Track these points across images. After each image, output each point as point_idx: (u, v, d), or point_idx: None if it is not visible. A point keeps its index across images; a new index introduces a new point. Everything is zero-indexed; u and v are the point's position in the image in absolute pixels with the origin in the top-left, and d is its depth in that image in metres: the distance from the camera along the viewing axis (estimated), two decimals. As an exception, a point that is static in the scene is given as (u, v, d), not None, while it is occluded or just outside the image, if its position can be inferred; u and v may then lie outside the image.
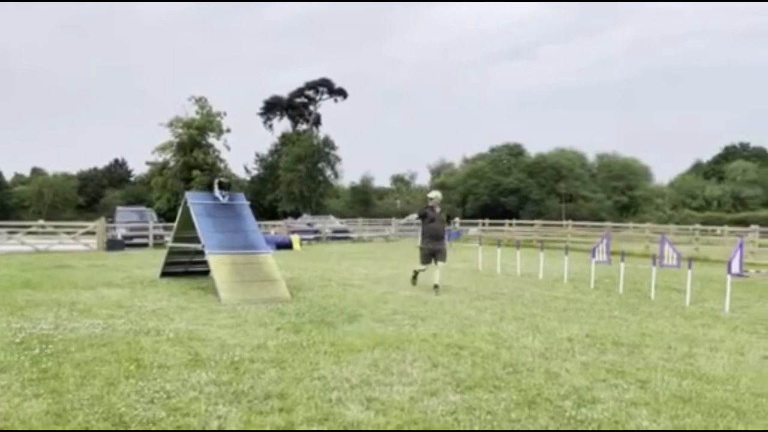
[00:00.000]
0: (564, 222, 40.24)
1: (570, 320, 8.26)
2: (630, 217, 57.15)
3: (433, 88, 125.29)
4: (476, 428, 4.18)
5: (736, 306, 9.61)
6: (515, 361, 5.99)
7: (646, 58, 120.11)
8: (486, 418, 4.37)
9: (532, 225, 38.26)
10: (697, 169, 77.76)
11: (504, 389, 5.04)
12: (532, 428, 4.21)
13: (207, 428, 4.10)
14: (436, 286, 10.76)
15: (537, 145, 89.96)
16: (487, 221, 39.58)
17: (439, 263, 11.04)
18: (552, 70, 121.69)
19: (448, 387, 5.09)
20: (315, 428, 4.12)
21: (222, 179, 10.75)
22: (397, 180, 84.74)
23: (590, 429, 4.22)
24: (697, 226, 29.66)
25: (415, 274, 11.58)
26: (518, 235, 29.87)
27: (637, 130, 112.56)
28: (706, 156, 79.59)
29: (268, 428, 4.11)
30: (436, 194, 11.52)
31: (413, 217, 11.53)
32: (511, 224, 39.44)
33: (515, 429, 4.19)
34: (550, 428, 4.22)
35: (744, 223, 39.82)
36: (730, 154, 76.62)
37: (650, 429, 4.23)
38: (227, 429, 4.10)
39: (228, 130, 61.01)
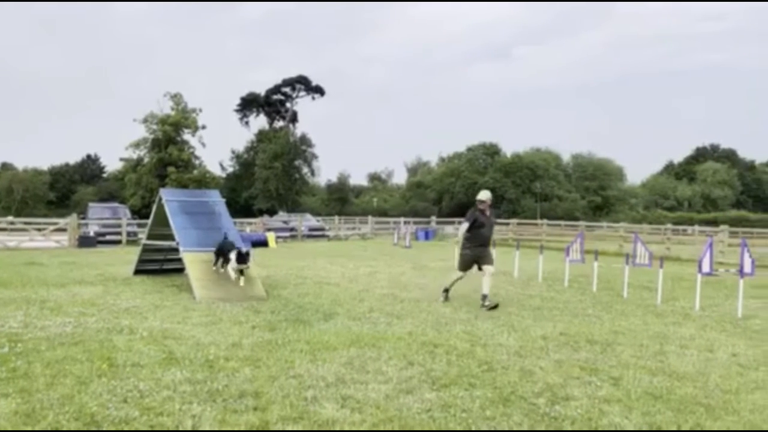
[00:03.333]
0: (539, 221, 40.63)
1: (544, 318, 8.35)
2: (604, 217, 58.04)
3: (410, 86, 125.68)
4: (451, 426, 4.20)
5: (706, 304, 9.81)
6: (490, 359, 6.04)
7: (620, 60, 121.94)
8: (461, 415, 4.40)
9: (507, 224, 38.55)
10: (669, 169, 79.27)
11: (479, 387, 5.08)
12: (506, 425, 4.24)
13: (181, 427, 4.06)
14: (484, 297, 9.22)
15: (513, 144, 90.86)
16: (462, 220, 39.81)
17: (486, 267, 9.46)
18: (527, 70, 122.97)
19: (423, 385, 5.11)
20: (290, 427, 4.10)
21: (240, 250, 9.65)
22: (374, 178, 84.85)
23: (564, 426, 4.28)
24: (669, 225, 30.19)
25: (449, 287, 9.96)
26: (494, 234, 30.09)
27: (610, 131, 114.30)
28: (678, 157, 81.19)
29: (242, 427, 4.08)
30: (487, 195, 9.72)
31: (464, 228, 9.67)
32: (487, 223, 39.67)
33: (490, 426, 4.22)
34: (524, 425, 4.26)
35: (714, 223, 40.64)
36: (701, 155, 78.24)
37: (622, 425, 4.30)
38: (201, 428, 4.06)
39: (203, 127, 60.59)
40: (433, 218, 39.83)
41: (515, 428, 4.20)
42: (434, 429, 4.15)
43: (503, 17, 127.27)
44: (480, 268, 9.49)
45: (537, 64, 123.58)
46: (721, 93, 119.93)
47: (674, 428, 4.25)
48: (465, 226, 9.52)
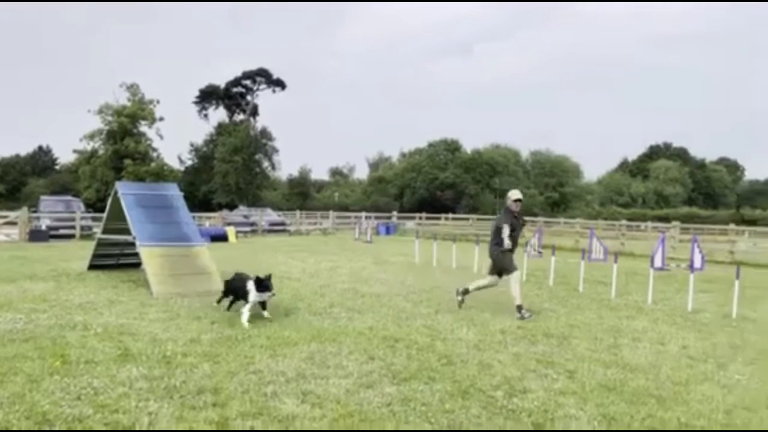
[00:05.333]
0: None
1: (503, 312, 8.48)
2: (561, 213, 59.20)
3: (372, 82, 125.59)
4: (411, 419, 4.24)
5: (658, 298, 10.12)
6: (450, 352, 6.11)
7: (577, 59, 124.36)
8: (421, 409, 4.44)
9: (467, 219, 39.02)
10: (624, 167, 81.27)
11: (438, 380, 5.13)
12: (465, 418, 4.30)
13: (137, 425, 3.98)
14: (467, 290, 8.95)
15: (473, 141, 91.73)
16: (424, 215, 40.06)
17: (505, 277, 8.74)
18: (488, 67, 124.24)
19: (384, 379, 5.13)
20: (249, 423, 4.07)
21: (258, 277, 7.45)
22: (336, 173, 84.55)
23: (521, 418, 4.36)
24: (623, 222, 31.00)
25: (521, 310, 8.31)
26: (454, 229, 30.40)
27: (568, 129, 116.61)
28: (633, 155, 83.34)
29: (201, 424, 4.03)
30: (520, 195, 8.82)
31: (507, 231, 8.38)
32: (447, 218, 40.11)
33: (449, 419, 4.27)
34: (482, 418, 4.33)
35: (666, 219, 41.95)
36: (654, 153, 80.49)
37: (577, 416, 4.41)
38: (158, 425, 3.99)
39: (161, 119, 59.19)
40: (395, 213, 39.98)
41: (473, 421, 4.26)
42: (394, 423, 4.18)
43: (465, 14, 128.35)
44: (500, 275, 8.71)
45: (497, 61, 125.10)
46: (673, 93, 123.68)
47: (627, 419, 4.38)
48: (507, 229, 8.44)
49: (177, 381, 4.87)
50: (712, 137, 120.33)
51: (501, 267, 8.59)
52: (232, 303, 8.03)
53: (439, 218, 40.23)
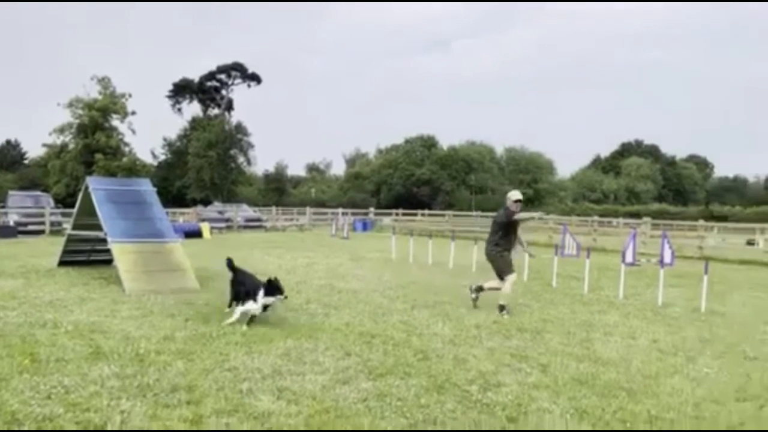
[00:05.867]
0: (473, 213, 41.49)
1: (478, 308, 8.55)
2: (535, 209, 59.69)
3: (349, 77, 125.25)
4: (387, 414, 4.26)
5: (629, 293, 10.29)
6: (426, 347, 6.14)
7: (552, 56, 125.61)
8: (396, 404, 4.46)
9: (443, 215, 39.21)
10: (597, 164, 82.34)
11: (414, 376, 5.16)
12: (440, 413, 4.33)
13: (109, 424, 3.93)
14: (480, 288, 8.74)
15: (449, 137, 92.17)
16: (400, 211, 40.14)
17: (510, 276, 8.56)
18: (465, 64, 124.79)
19: (360, 375, 5.14)
20: (224, 420, 4.04)
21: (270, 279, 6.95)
22: (312, 169, 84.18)
23: (495, 411, 4.41)
24: (596, 218, 31.46)
25: (504, 310, 8.22)
26: (430, 226, 30.53)
27: (542, 125, 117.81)
28: (605, 152, 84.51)
29: (175, 422, 4.00)
30: (520, 196, 8.65)
31: (497, 237, 8.49)
32: (423, 214, 40.27)
33: (425, 414, 4.30)
34: (458, 412, 4.37)
35: (637, 215, 42.65)
36: (626, 150, 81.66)
37: (550, 410, 4.47)
38: (131, 424, 3.95)
39: (133, 113, 58.43)
40: (371, 209, 40.00)
41: (449, 415, 4.30)
42: (370, 418, 4.19)
43: (442, 10, 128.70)
44: (501, 277, 8.50)
45: (474, 57, 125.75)
46: (645, 91, 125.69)
47: (598, 412, 4.46)
48: (499, 233, 8.47)
49: (150, 379, 4.82)
50: (683, 135, 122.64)
51: (497, 269, 8.50)
52: (234, 300, 7.36)
53: (415, 214, 40.37)
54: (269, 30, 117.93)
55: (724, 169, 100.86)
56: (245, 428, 3.94)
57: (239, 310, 6.95)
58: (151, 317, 7.27)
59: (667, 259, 10.01)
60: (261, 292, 6.80)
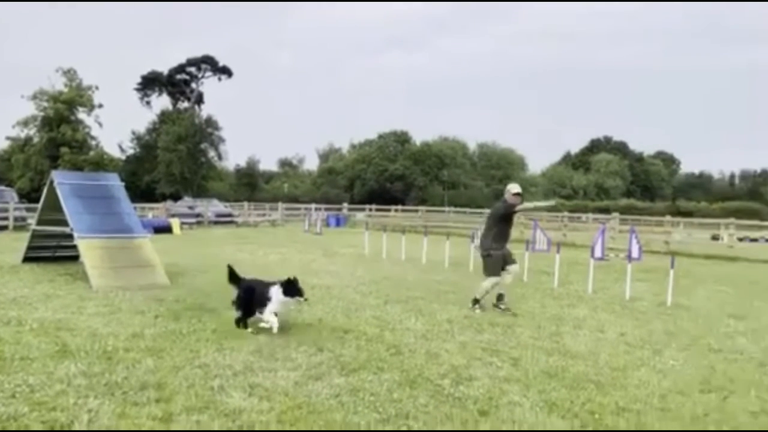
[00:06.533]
0: (446, 208, 41.72)
1: (450, 302, 8.61)
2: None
3: (321, 72, 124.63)
4: (360, 409, 4.26)
5: (598, 287, 10.47)
6: (398, 342, 6.16)
7: (524, 54, 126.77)
8: (369, 399, 4.46)
9: (416, 211, 39.33)
10: (567, 160, 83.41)
11: (387, 371, 5.17)
12: (412, 407, 4.35)
13: (76, 423, 3.85)
14: (501, 296, 8.27)
15: (422, 133, 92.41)
16: (374, 207, 40.13)
17: (513, 267, 8.42)
18: (437, 60, 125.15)
19: (333, 370, 5.14)
20: (195, 417, 4.00)
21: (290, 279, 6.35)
22: (285, 164, 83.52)
23: (467, 405, 4.44)
24: (566, 213, 31.88)
25: (480, 297, 8.26)
26: (404, 221, 30.60)
27: (514, 122, 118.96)
28: (575, 148, 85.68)
29: (144, 420, 3.94)
30: (520, 189, 8.39)
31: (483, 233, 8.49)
32: (396, 210, 40.35)
33: (397, 409, 4.31)
34: (430, 406, 4.39)
35: (606, 211, 43.30)
36: (595, 147, 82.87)
37: (521, 403, 4.52)
38: (99, 422, 3.87)
39: (100, 106, 57.15)
40: (345, 205, 39.89)
41: (421, 409, 4.31)
42: (343, 414, 4.19)
43: (417, 6, 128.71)
44: (504, 268, 8.26)
45: (448, 54, 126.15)
46: (614, 89, 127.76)
47: (567, 404, 4.53)
48: (491, 229, 8.25)
49: (118, 377, 4.74)
50: (650, 132, 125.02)
51: (483, 267, 8.30)
52: (244, 317, 6.51)
53: (389, 210, 40.39)
54: (240, 24, 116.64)
55: (690, 165, 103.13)
56: (216, 425, 3.91)
57: (268, 314, 6.27)
58: (119, 314, 7.15)
59: (635, 254, 10.20)
60: (278, 290, 6.26)
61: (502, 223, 8.27)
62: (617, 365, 5.68)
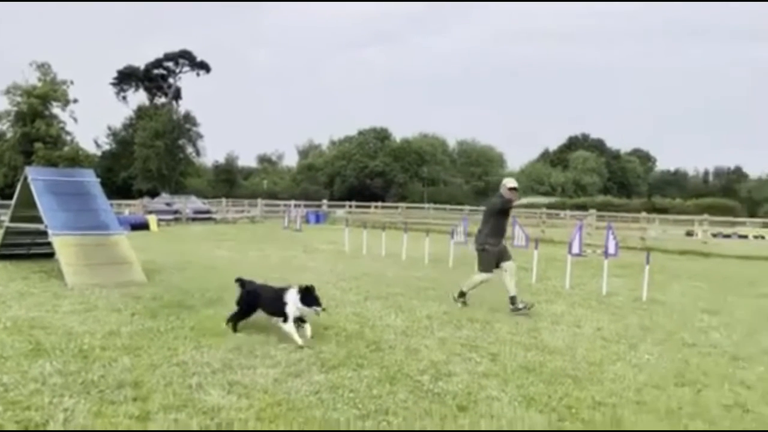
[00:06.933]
0: (426, 205, 41.82)
1: (430, 299, 8.64)
2: (485, 202, 60.63)
3: (301, 69, 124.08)
4: (339, 406, 4.26)
5: (575, 283, 10.58)
6: (378, 339, 6.17)
7: (503, 52, 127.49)
8: (349, 395, 4.47)
9: (396, 207, 39.36)
10: (545, 157, 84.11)
11: (367, 367, 5.18)
12: (392, 403, 4.37)
13: (51, 422, 3.80)
14: (513, 298, 7.93)
15: (402, 129, 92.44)
16: (353, 203, 40.09)
17: (509, 264, 8.11)
18: (417, 58, 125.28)
19: (312, 367, 5.13)
20: (173, 416, 3.97)
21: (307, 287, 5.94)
22: (264, 160, 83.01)
23: (446, 400, 4.47)
24: (544, 209, 32.14)
25: (464, 297, 8.25)
26: (383, 218, 30.61)
27: (493, 119, 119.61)
28: (553, 145, 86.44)
29: (120, 418, 3.90)
30: (515, 183, 8.30)
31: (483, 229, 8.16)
32: (376, 207, 40.35)
33: (377, 405, 4.32)
34: (409, 402, 4.41)
35: (584, 207, 43.73)
36: (573, 144, 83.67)
37: (499, 398, 4.56)
38: (75, 422, 3.82)
39: (75, 101, 56.22)
40: (325, 201, 39.78)
41: (401, 405, 4.33)
42: (322, 410, 4.19)
43: (395, 4, 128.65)
44: (498, 266, 8.09)
45: (426, 51, 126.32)
46: (591, 87, 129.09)
47: (545, 399, 4.58)
48: (487, 225, 8.08)
49: (94, 375, 4.68)
50: (627, 129, 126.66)
51: (478, 262, 8.17)
52: (237, 319, 6.28)
53: (368, 206, 40.38)
54: (218, 20, 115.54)
55: (665, 162, 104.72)
56: (194, 423, 3.88)
57: (290, 326, 5.87)
58: (95, 312, 7.06)
59: (612, 250, 10.34)
60: (295, 296, 5.87)
61: (498, 217, 8.11)
62: (594, 360, 5.75)
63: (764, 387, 5.09)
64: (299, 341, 5.71)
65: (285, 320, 5.92)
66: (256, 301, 6.28)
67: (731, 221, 32.59)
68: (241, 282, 6.62)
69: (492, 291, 9.57)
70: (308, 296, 5.90)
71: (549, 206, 41.85)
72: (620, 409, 4.44)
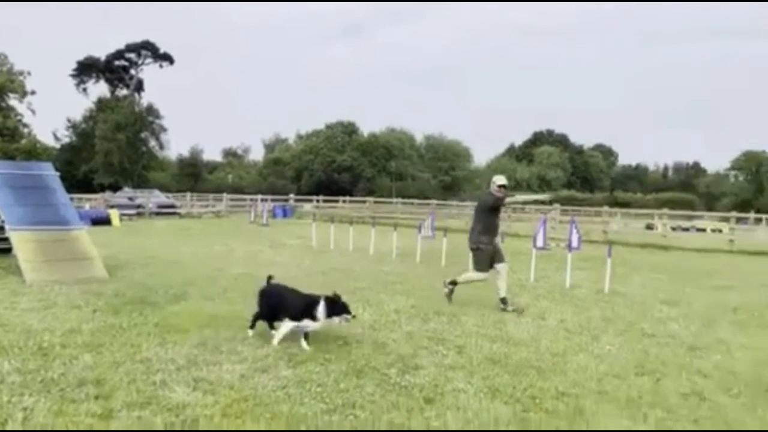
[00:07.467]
0: (394, 200, 41.90)
1: (397, 293, 8.68)
2: (452, 196, 61.15)
3: (267, 62, 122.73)
4: (306, 401, 4.25)
5: (540, 276, 10.76)
6: (346, 333, 6.16)
7: (469, 47, 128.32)
8: (316, 390, 4.47)
9: (364, 202, 39.32)
10: (511, 152, 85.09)
11: (334, 362, 5.18)
12: (359, 396, 4.38)
13: (10, 421, 3.70)
14: (504, 300, 7.89)
15: (369, 124, 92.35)
16: (321, 198, 39.92)
17: (502, 266, 8.02)
18: (384, 52, 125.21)
19: (279, 362, 5.10)
20: (136, 413, 3.90)
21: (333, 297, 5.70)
22: (229, 154, 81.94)
23: (413, 393, 4.50)
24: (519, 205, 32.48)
25: (454, 286, 8.18)
26: (351, 212, 30.58)
27: (460, 114, 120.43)
28: (519, 140, 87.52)
29: (82, 417, 3.82)
30: (505, 181, 8.12)
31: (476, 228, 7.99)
32: (344, 201, 40.27)
33: (344, 399, 4.33)
34: (376, 396, 4.42)
35: (548, 202, 44.43)
36: (538, 139, 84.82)
37: (465, 389, 4.62)
38: (34, 421, 3.73)
39: (33, 92, 54.50)
40: (292, 196, 39.50)
41: (368, 398, 4.35)
42: (289, 405, 4.17)
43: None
44: (492, 266, 7.98)
45: (393, 45, 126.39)
46: (556, 83, 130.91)
47: (510, 390, 4.65)
48: (479, 224, 7.98)
49: (55, 374, 4.57)
50: (589, 125, 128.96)
51: (473, 261, 8.09)
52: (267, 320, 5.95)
53: (336, 201, 40.25)
54: (183, 11, 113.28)
55: (626, 157, 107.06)
56: (159, 420, 3.83)
57: (288, 326, 5.64)
58: (55, 309, 6.89)
59: (575, 243, 10.53)
60: (321, 309, 5.58)
61: (489, 215, 8.02)
62: (557, 351, 5.86)
63: (720, 375, 5.27)
64: (277, 340, 5.57)
65: (300, 320, 5.61)
66: (282, 302, 5.80)
67: (690, 215, 33.56)
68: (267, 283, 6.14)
69: (459, 286, 9.65)
70: (334, 306, 5.64)
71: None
72: (582, 399, 4.55)
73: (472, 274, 8.09)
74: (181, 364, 4.95)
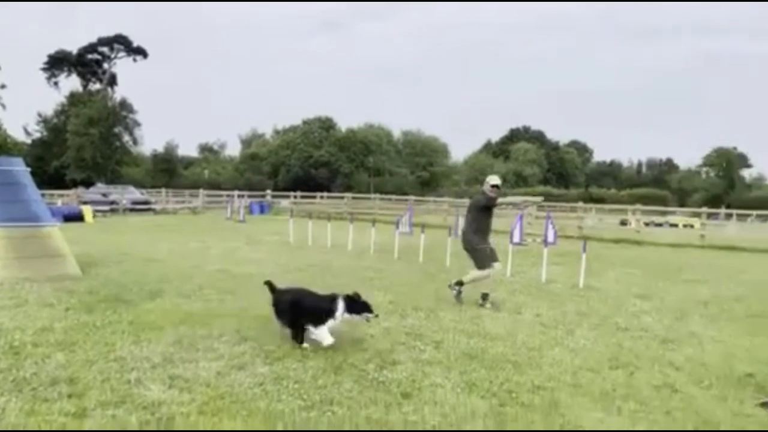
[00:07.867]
0: (372, 195, 41.87)
1: (375, 288, 8.67)
2: (430, 192, 61.36)
3: (245, 56, 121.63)
4: (284, 397, 4.24)
5: (516, 271, 10.86)
6: (323, 330, 6.14)
7: (449, 42, 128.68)
8: (293, 386, 4.45)
9: (342, 198, 39.22)
10: (488, 148, 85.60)
11: (312, 358, 5.17)
12: (337, 393, 4.38)
13: (-22, 424, 3.62)
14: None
15: (347, 119, 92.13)
16: (298, 194, 39.73)
17: (495, 264, 8.07)
18: (362, 47, 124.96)
19: (256, 359, 5.08)
20: (111, 412, 3.85)
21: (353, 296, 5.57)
22: (205, 149, 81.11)
23: (391, 388, 4.52)
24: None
25: (460, 287, 8.04)
26: (329, 208, 30.49)
27: (437, 110, 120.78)
28: (496, 137, 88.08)
29: (55, 416, 3.76)
30: (498, 181, 8.17)
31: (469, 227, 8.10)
32: (322, 197, 40.12)
33: (322, 395, 4.32)
34: (354, 391, 4.43)
35: (524, 198, 44.75)
36: (514, 135, 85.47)
37: (442, 384, 4.65)
38: (6, 421, 3.66)
39: (3, 86, 53.27)
40: (269, 192, 39.25)
41: (345, 395, 4.35)
42: (266, 401, 4.16)
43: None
44: (494, 261, 8.03)
45: (372, 41, 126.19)
46: (533, 79, 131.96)
47: (487, 384, 4.69)
48: (472, 223, 8.04)
49: (27, 373, 4.49)
50: (565, 121, 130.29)
51: (474, 260, 8.02)
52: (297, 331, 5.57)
53: (314, 197, 40.06)
54: (158, 5, 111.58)
55: (601, 154, 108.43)
56: (134, 419, 3.78)
57: (322, 332, 5.39)
58: (26, 307, 6.76)
59: (551, 238, 10.65)
60: (341, 307, 5.45)
61: (482, 215, 8.02)
62: (533, 345, 5.92)
63: (691, 368, 5.38)
64: (330, 340, 5.35)
65: (316, 326, 5.43)
66: (302, 308, 5.57)
67: (662, 211, 34.12)
68: (270, 287, 5.92)
69: (436, 282, 9.71)
70: (355, 304, 5.52)
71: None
72: (558, 392, 4.60)
73: (477, 273, 7.99)
74: (157, 362, 4.90)
